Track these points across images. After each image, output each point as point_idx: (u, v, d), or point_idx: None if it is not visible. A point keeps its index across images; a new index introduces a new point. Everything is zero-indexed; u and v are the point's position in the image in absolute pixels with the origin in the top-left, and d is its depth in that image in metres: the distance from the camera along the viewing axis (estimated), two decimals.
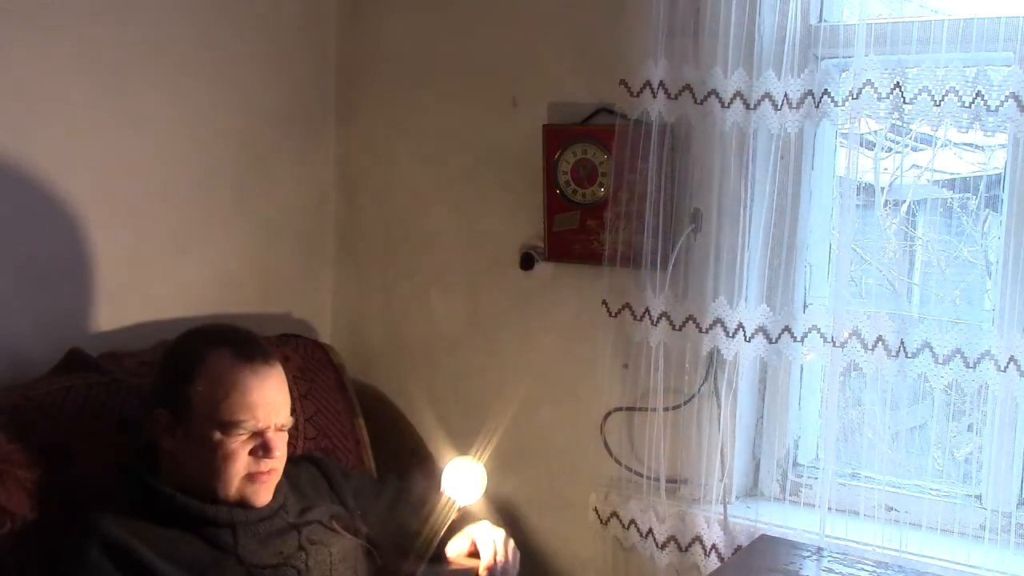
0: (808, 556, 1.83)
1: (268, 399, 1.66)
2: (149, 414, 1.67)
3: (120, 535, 1.57)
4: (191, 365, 1.65)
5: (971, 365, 1.75)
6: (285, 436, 1.70)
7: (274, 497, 1.71)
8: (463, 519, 1.87)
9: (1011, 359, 1.71)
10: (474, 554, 1.82)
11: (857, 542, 1.87)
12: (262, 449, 1.65)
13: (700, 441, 2.02)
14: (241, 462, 1.64)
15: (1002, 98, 1.66)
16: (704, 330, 1.96)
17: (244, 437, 1.63)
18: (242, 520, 1.66)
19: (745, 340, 1.93)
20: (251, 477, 1.65)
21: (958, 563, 1.79)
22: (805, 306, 1.99)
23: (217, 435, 1.62)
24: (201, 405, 1.63)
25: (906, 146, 1.95)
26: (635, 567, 2.12)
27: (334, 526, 1.78)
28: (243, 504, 1.66)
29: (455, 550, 1.83)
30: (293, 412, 1.74)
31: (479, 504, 1.88)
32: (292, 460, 1.88)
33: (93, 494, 1.68)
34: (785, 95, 1.84)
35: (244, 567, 1.63)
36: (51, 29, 1.90)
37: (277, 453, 1.66)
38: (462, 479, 1.86)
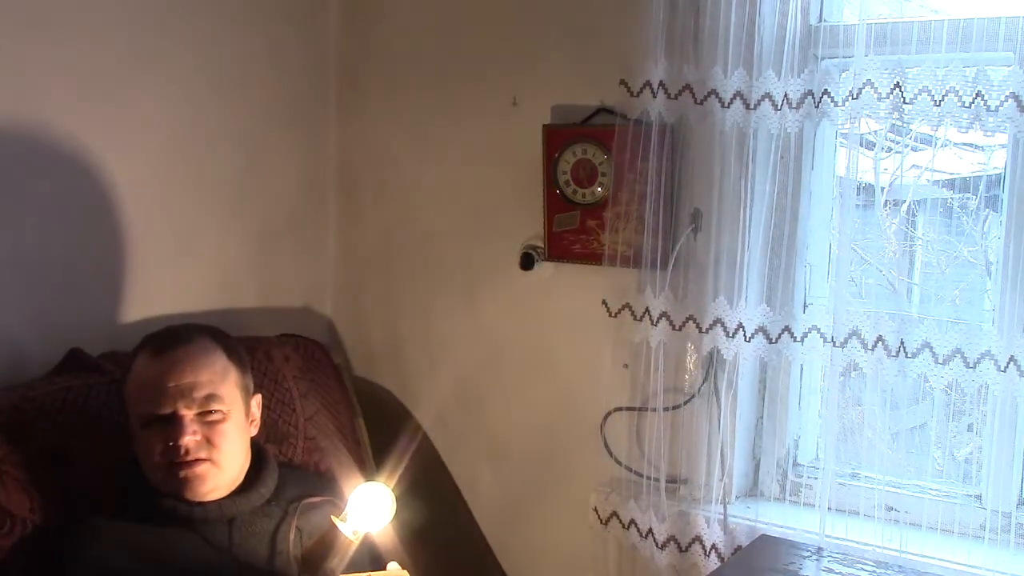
0: (808, 556, 1.83)
1: (170, 383, 1.62)
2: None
3: (109, 558, 1.56)
4: (127, 370, 1.69)
5: (971, 365, 1.75)
6: (219, 422, 1.64)
7: (263, 483, 1.70)
8: (367, 549, 1.71)
9: (1011, 359, 1.71)
10: None
11: (857, 542, 1.87)
12: (170, 434, 1.60)
13: (700, 441, 2.02)
14: (156, 451, 1.61)
15: (1002, 98, 1.66)
16: (704, 330, 1.96)
17: (155, 424, 1.62)
18: (235, 513, 1.65)
19: (745, 340, 1.93)
20: (172, 466, 1.61)
21: (958, 563, 1.79)
22: (805, 306, 1.99)
23: (138, 425, 1.64)
24: (128, 405, 1.67)
25: (906, 146, 1.95)
26: (635, 567, 2.12)
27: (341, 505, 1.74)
28: (177, 495, 1.62)
29: None
30: (291, 404, 1.72)
31: (387, 531, 1.68)
32: (290, 464, 1.88)
33: (93, 495, 1.69)
34: (785, 95, 1.84)
35: (238, 565, 1.63)
36: (51, 32, 1.90)
37: (189, 437, 1.60)
38: (369, 505, 1.62)
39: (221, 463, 1.65)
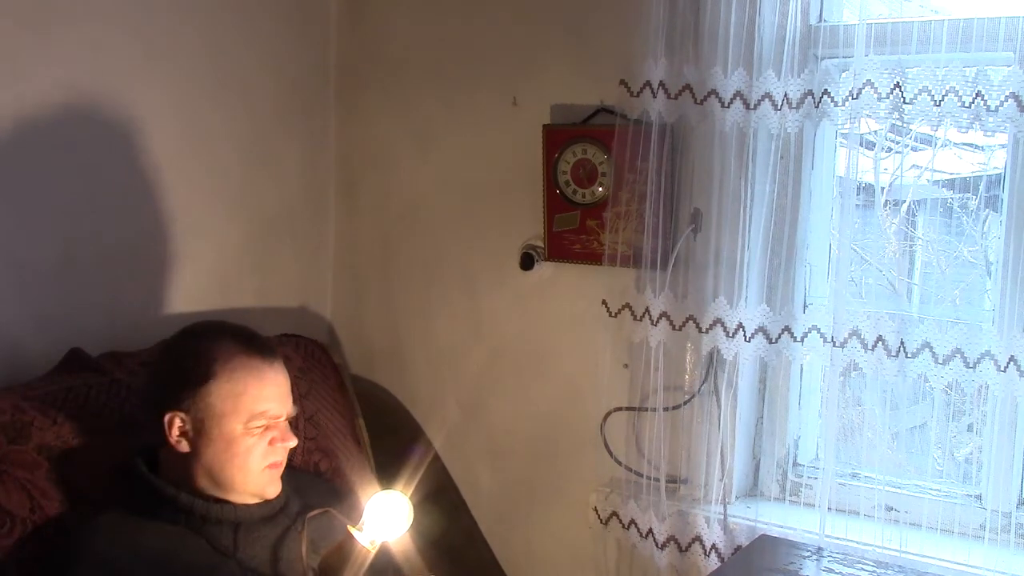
0: (808, 556, 1.83)
1: (280, 389, 1.69)
2: (157, 419, 1.64)
3: (113, 556, 1.56)
4: (202, 365, 1.64)
5: (971, 365, 1.75)
6: (292, 429, 1.74)
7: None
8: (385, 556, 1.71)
9: (1011, 359, 1.71)
10: None
11: (857, 542, 1.88)
12: (280, 437, 1.68)
13: (700, 441, 2.02)
14: (260, 452, 1.66)
15: (1002, 98, 1.66)
16: (704, 330, 1.96)
17: (262, 427, 1.66)
18: (245, 518, 1.66)
19: (745, 340, 1.93)
20: (268, 468, 1.68)
21: (958, 563, 1.79)
22: (805, 306, 1.99)
23: (238, 429, 1.64)
24: (219, 402, 1.63)
25: (906, 146, 1.95)
26: (635, 567, 2.12)
27: (341, 517, 1.75)
28: (260, 495, 1.68)
29: None
30: (295, 403, 1.75)
31: (404, 540, 1.67)
32: (291, 467, 1.88)
33: (93, 495, 1.69)
34: (785, 95, 1.84)
35: (243, 570, 1.63)
36: (50, 32, 1.90)
37: (291, 441, 1.70)
38: (385, 514, 1.61)
39: (283, 466, 1.73)
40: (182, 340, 1.72)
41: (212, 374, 1.63)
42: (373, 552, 1.57)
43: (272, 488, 1.70)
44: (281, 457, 1.70)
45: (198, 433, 1.64)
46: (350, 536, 1.57)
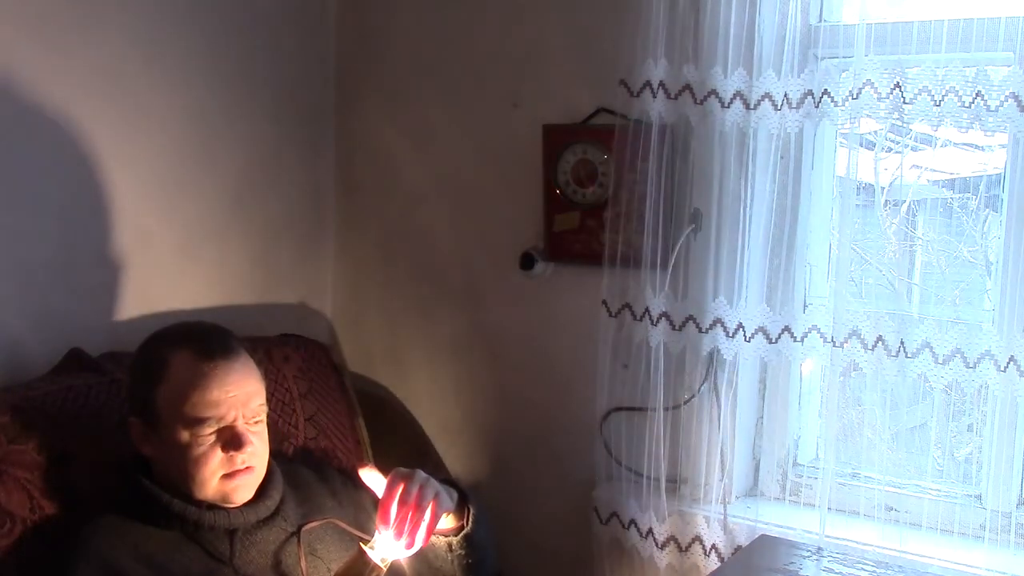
0: (808, 556, 1.83)
1: (231, 392, 1.61)
2: (124, 423, 1.66)
3: (113, 557, 1.56)
4: (152, 371, 1.63)
5: (971, 365, 1.75)
6: (262, 429, 1.66)
7: (268, 496, 1.69)
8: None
9: (1011, 359, 1.71)
10: None
11: (857, 542, 1.88)
12: (232, 444, 1.60)
13: (700, 441, 2.02)
14: (214, 461, 1.60)
15: (1002, 98, 1.66)
16: (704, 330, 1.96)
17: (211, 434, 1.60)
18: (240, 524, 1.65)
19: (745, 340, 1.93)
20: (228, 476, 1.62)
21: (958, 563, 1.79)
22: (805, 306, 1.99)
23: (185, 436, 1.59)
24: (165, 409, 1.60)
25: (906, 146, 1.95)
26: (635, 567, 2.12)
27: (343, 526, 1.74)
28: (224, 502, 1.63)
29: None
30: (291, 404, 1.71)
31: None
32: (286, 461, 1.87)
33: (93, 495, 1.69)
34: (785, 95, 1.84)
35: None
36: (51, 31, 1.90)
37: (249, 447, 1.61)
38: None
39: (261, 469, 1.67)
40: (142, 345, 1.71)
41: (160, 379, 1.61)
42: (384, 569, 1.57)
43: (240, 495, 1.64)
44: (243, 464, 1.62)
45: (154, 439, 1.63)
46: (362, 552, 1.57)
